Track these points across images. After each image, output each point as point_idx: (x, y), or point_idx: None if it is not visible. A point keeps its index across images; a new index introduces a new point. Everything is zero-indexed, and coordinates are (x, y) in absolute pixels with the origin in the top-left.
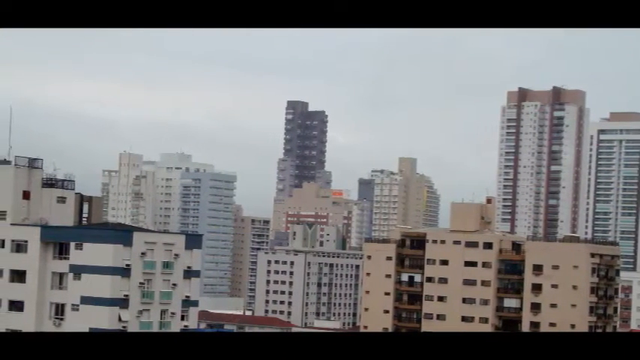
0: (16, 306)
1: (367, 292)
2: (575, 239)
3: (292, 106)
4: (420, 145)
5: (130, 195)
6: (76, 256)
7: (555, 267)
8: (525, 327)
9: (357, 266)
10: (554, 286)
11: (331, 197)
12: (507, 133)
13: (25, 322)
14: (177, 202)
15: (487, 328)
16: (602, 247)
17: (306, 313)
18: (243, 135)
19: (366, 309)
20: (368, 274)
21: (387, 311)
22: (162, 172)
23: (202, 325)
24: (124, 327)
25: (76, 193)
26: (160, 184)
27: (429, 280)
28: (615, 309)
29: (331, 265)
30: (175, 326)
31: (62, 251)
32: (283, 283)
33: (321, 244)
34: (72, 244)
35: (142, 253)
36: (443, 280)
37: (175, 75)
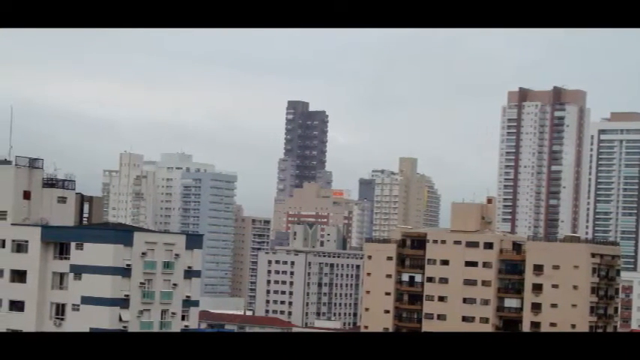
0: (16, 306)
1: (368, 292)
2: (575, 239)
3: (293, 106)
4: (421, 145)
5: (130, 195)
6: (77, 256)
7: (556, 267)
8: (526, 327)
9: (358, 266)
10: (555, 286)
11: (332, 197)
12: (508, 133)
13: (26, 322)
14: (177, 202)
15: (488, 328)
16: (602, 247)
17: (307, 313)
18: (243, 135)
19: (367, 309)
20: (368, 274)
21: (387, 311)
22: (162, 172)
23: (203, 325)
24: (124, 327)
25: (76, 193)
26: (161, 184)
27: (430, 280)
28: (616, 309)
29: (332, 265)
30: (176, 326)
31: (63, 251)
32: (284, 283)
33: (322, 244)
34: (72, 244)
35: (143, 253)
36: (443, 280)
37: (176, 75)
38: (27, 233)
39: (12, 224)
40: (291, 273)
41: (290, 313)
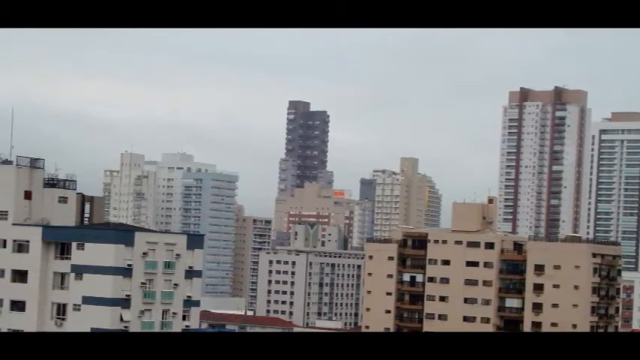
0: (17, 306)
1: (369, 292)
2: (576, 239)
3: (294, 106)
4: (422, 145)
5: (131, 195)
6: (78, 256)
7: (557, 267)
8: (527, 327)
9: (359, 266)
10: (556, 286)
11: (333, 197)
12: (509, 133)
13: (27, 322)
14: (178, 202)
15: (489, 328)
16: (603, 247)
17: (308, 313)
18: (244, 135)
19: (368, 309)
20: (369, 274)
21: (388, 311)
22: (163, 172)
23: (204, 325)
24: (125, 327)
25: (77, 193)
26: (162, 184)
27: (431, 280)
28: (617, 309)
29: (333, 265)
30: (177, 326)
31: (64, 251)
32: (285, 283)
33: (323, 244)
34: (73, 244)
35: (144, 253)
36: (444, 280)
37: (176, 75)
38: (28, 233)
39: (13, 224)
40: (292, 273)
41: (291, 313)
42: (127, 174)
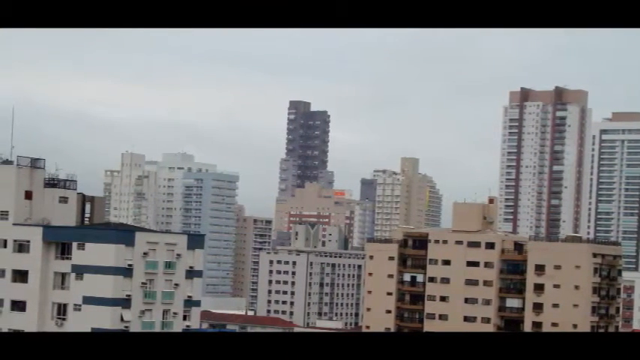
0: (18, 306)
1: (369, 292)
2: (577, 239)
3: (294, 106)
4: (422, 145)
5: (132, 195)
6: (78, 256)
7: (557, 267)
8: (527, 327)
9: (360, 266)
10: (557, 286)
11: (333, 197)
12: (509, 132)
13: (28, 322)
14: (179, 202)
15: (489, 328)
16: (604, 247)
17: (309, 313)
18: (245, 135)
19: (369, 309)
20: (370, 274)
21: (389, 311)
22: (164, 172)
23: (204, 325)
24: (126, 327)
25: (78, 193)
26: (162, 184)
27: (432, 280)
28: (617, 309)
29: (333, 265)
30: (177, 326)
31: (64, 251)
32: (285, 283)
33: (324, 244)
34: (74, 244)
35: (144, 253)
36: (445, 280)
37: (176, 75)
38: (28, 233)
39: (14, 224)
40: (293, 273)
41: (292, 313)
42: (127, 174)
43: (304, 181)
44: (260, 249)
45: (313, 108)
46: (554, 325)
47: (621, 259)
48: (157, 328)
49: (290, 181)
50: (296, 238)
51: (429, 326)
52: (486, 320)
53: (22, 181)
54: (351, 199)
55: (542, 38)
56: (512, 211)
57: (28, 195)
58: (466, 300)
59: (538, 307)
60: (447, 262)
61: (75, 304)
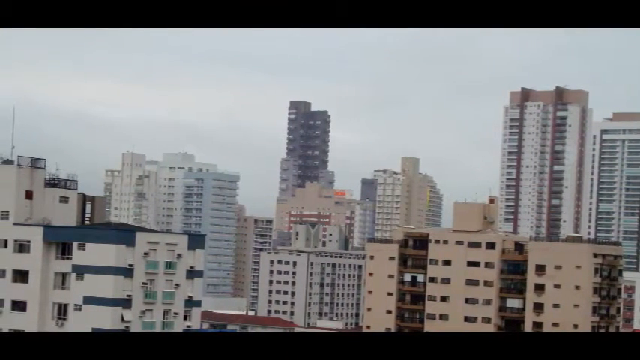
0: (18, 306)
1: (370, 292)
2: (577, 239)
3: (295, 106)
4: (423, 145)
5: (132, 195)
6: (79, 256)
7: (558, 267)
8: (528, 327)
9: (360, 266)
10: (557, 286)
11: (334, 197)
12: (510, 133)
13: (28, 322)
14: (179, 202)
15: (490, 328)
16: (604, 247)
17: (309, 313)
18: (245, 135)
19: (369, 309)
20: (371, 274)
21: (389, 311)
22: (165, 172)
23: (205, 325)
24: (126, 327)
25: (78, 193)
26: (163, 184)
27: (432, 280)
28: (618, 309)
29: (334, 265)
30: (178, 326)
31: (65, 251)
32: (286, 283)
33: (324, 244)
34: (75, 244)
35: (145, 253)
36: (445, 280)
37: (176, 75)
38: (29, 233)
39: (14, 224)
40: (294, 273)
41: (292, 313)
42: (128, 174)
43: (305, 181)
44: (260, 249)
45: (313, 108)
46: (555, 325)
47: (622, 259)
48: (158, 328)
49: (290, 181)
50: (296, 238)
51: (430, 326)
52: (487, 320)
53: (22, 181)
54: (351, 199)
55: (542, 38)
56: (512, 211)
57: (29, 195)
58: (467, 300)
59: (539, 307)
60: (447, 262)
61: (75, 304)
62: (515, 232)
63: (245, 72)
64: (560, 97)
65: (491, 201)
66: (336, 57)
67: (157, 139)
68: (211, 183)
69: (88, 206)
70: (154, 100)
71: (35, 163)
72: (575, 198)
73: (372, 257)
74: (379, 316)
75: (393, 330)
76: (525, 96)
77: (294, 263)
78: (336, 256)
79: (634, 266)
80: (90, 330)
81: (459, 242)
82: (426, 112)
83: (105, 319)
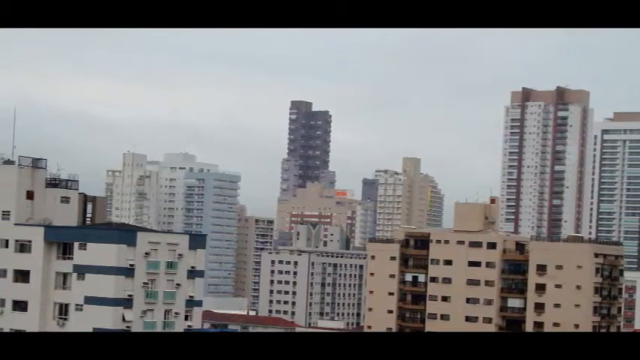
0: (19, 306)
1: (371, 292)
2: (578, 239)
3: (296, 106)
4: (424, 145)
5: (133, 195)
6: (80, 256)
7: (559, 267)
8: (529, 327)
9: (361, 266)
10: (558, 286)
11: (335, 197)
12: (511, 133)
13: (29, 322)
14: (181, 202)
15: (491, 328)
16: (605, 247)
17: (310, 313)
18: (247, 135)
19: (370, 309)
20: (372, 274)
21: (390, 311)
22: (166, 172)
23: (206, 325)
24: (127, 327)
25: (79, 193)
26: (164, 184)
27: (433, 280)
28: (619, 309)
29: (335, 265)
30: (179, 326)
31: (66, 251)
32: (287, 283)
33: (325, 244)
34: (76, 244)
35: (146, 253)
36: (447, 280)
37: (176, 75)
38: (30, 233)
39: (15, 224)
40: (295, 273)
41: (293, 313)
42: (129, 174)
43: (306, 181)
44: (262, 249)
45: (315, 108)
46: (556, 325)
47: (623, 259)
48: (159, 328)
49: (291, 181)
50: (297, 238)
51: (431, 326)
52: (488, 320)
53: (23, 181)
54: (352, 199)
55: (543, 38)
56: (513, 211)
57: (30, 195)
58: (468, 300)
59: (540, 307)
60: (448, 262)
61: (76, 304)
62: (517, 232)
63: (245, 72)
64: (561, 97)
65: (492, 201)
66: (336, 57)
67: (157, 139)
68: (212, 183)
69: (89, 206)
70: (154, 100)
71: (36, 163)
72: (576, 198)
73: (373, 257)
74: (380, 316)
75: (394, 330)
76: (526, 96)
77: (296, 263)
78: (337, 256)
79: (635, 266)
80: (91, 330)
81: (460, 242)
82: (426, 112)
83: (106, 319)
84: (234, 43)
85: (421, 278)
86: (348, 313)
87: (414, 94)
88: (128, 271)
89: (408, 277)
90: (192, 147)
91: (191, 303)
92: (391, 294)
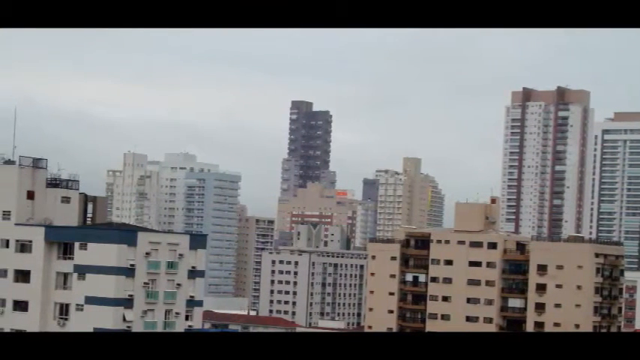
0: (20, 306)
1: (371, 292)
2: (579, 239)
3: (297, 106)
4: (425, 145)
5: (134, 195)
6: (81, 256)
7: (560, 267)
8: (530, 327)
9: (362, 266)
10: (559, 286)
11: (335, 197)
12: (512, 133)
13: (30, 322)
14: (181, 202)
15: (491, 328)
16: (606, 247)
17: (311, 313)
18: (247, 135)
19: (371, 309)
20: (372, 274)
21: (391, 311)
22: (166, 172)
23: (207, 325)
24: (128, 327)
25: (80, 193)
26: (165, 184)
27: (434, 280)
28: (619, 309)
29: (335, 265)
30: (180, 326)
31: (66, 251)
32: (287, 283)
33: (326, 244)
34: (76, 244)
35: (147, 253)
36: (447, 280)
37: (176, 75)
38: (31, 233)
39: (16, 224)
40: (295, 273)
41: (294, 313)
42: (129, 174)
43: (306, 181)
44: (262, 249)
45: (315, 108)
46: (557, 325)
47: (623, 259)
48: (160, 328)
49: (292, 181)
50: (298, 238)
51: (431, 326)
52: (488, 320)
53: (24, 181)
54: (353, 199)
55: (543, 38)
56: (514, 211)
57: (30, 195)
58: (468, 300)
59: (540, 307)
60: (449, 262)
61: (77, 304)
62: (517, 232)
63: (245, 72)
64: (561, 97)
65: (493, 201)
66: (336, 57)
67: (158, 139)
68: (213, 183)
69: (90, 206)
70: (154, 100)
71: (37, 163)
72: (576, 198)
73: (373, 257)
74: (381, 316)
75: (394, 330)
76: (527, 96)
77: (296, 263)
78: (337, 256)
79: (635, 266)
80: (91, 330)
81: (461, 242)
82: (426, 112)
83: (106, 319)
84: (234, 43)
85: (422, 278)
86: (349, 313)
87: (414, 94)
88: (129, 271)
89: (409, 277)
90: (193, 147)
91: (192, 303)
92: (392, 294)
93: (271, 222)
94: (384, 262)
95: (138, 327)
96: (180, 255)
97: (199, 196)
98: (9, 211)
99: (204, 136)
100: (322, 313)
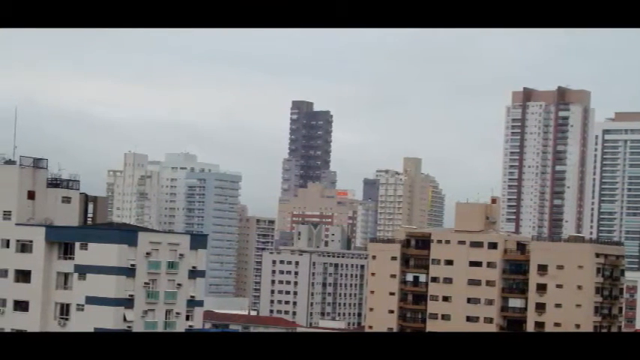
0: (21, 306)
1: (372, 292)
2: (579, 239)
3: (297, 106)
4: (425, 145)
5: (134, 195)
6: (81, 256)
7: (560, 267)
8: (530, 327)
9: (362, 266)
10: (559, 286)
11: (336, 197)
12: (512, 133)
13: (30, 322)
14: (182, 202)
15: (492, 328)
16: (607, 247)
17: (311, 313)
18: (248, 135)
19: (371, 309)
20: (373, 274)
21: (391, 311)
22: (167, 172)
23: (207, 325)
24: (128, 327)
25: (80, 193)
26: (165, 184)
27: (434, 280)
28: (620, 309)
29: (336, 265)
30: (180, 326)
31: (67, 251)
32: (288, 283)
33: (326, 244)
34: (77, 244)
35: (147, 253)
36: (448, 280)
37: (176, 75)
38: (31, 233)
39: (16, 224)
40: (296, 273)
41: (294, 313)
42: (130, 174)
43: (307, 181)
44: (263, 249)
45: (316, 108)
46: (557, 325)
47: (624, 259)
48: (160, 328)
49: (293, 181)
50: (299, 238)
51: (432, 326)
52: (489, 320)
53: (24, 181)
54: (353, 199)
55: (544, 38)
56: (514, 211)
57: (31, 195)
58: (469, 300)
59: (541, 307)
60: (449, 262)
61: (78, 304)
62: (518, 232)
63: (245, 72)
64: (562, 97)
65: (494, 201)
66: (336, 57)
67: (158, 139)
68: (213, 183)
69: (90, 206)
70: (154, 100)
71: (37, 163)
72: (577, 198)
73: (374, 257)
74: (381, 316)
75: (395, 330)
76: (527, 96)
77: (297, 263)
78: (338, 256)
79: (636, 266)
80: (92, 330)
81: (461, 242)
82: (426, 112)
83: (107, 319)
84: (234, 43)
85: (422, 278)
86: (349, 313)
87: (414, 94)
88: (129, 271)
89: (409, 277)
90: (193, 147)
91: (192, 303)
92: (392, 294)
93: (272, 222)
94: (384, 262)
95: (138, 327)
96: (181, 255)
97: (200, 196)
98: (9, 211)
99: (205, 136)
100: (323, 313)
